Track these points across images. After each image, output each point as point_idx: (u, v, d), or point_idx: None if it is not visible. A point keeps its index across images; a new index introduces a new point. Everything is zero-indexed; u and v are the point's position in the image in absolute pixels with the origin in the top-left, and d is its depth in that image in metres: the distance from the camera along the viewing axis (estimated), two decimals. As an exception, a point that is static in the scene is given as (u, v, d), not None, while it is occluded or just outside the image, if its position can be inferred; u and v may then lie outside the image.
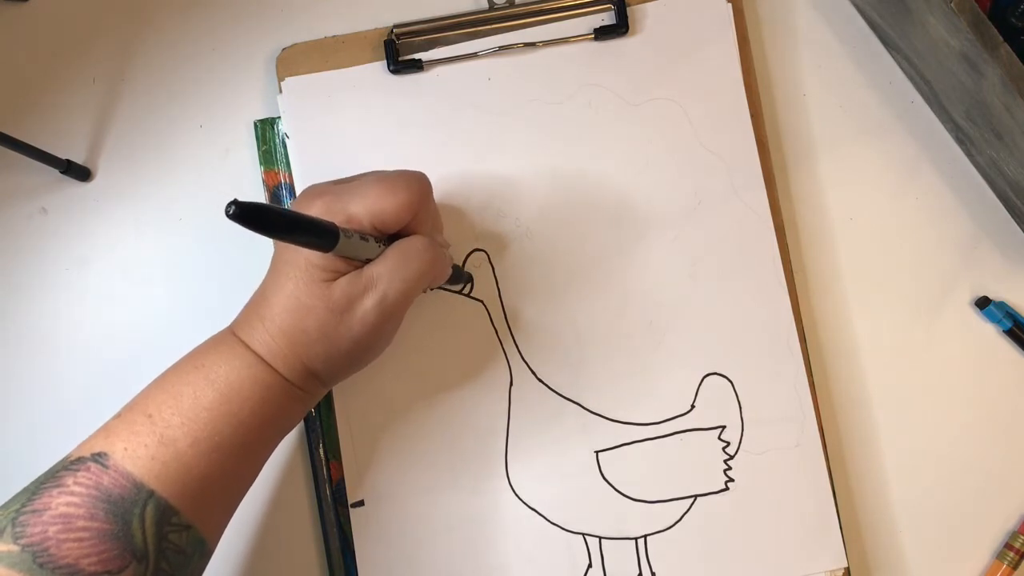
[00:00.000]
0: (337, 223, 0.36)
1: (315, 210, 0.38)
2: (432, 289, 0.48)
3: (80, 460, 0.36)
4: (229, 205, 0.29)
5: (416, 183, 0.40)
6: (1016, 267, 0.52)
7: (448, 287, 0.48)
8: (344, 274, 0.38)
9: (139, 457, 0.35)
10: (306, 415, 0.48)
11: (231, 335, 0.40)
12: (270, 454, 0.41)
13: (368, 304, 0.38)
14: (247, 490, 0.41)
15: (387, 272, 0.39)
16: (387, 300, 0.39)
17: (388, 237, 0.40)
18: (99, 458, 0.35)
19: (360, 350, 0.40)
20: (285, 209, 0.33)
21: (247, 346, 0.39)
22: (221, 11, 0.52)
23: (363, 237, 0.38)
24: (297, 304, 0.38)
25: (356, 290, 0.38)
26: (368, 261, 0.39)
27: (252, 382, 0.38)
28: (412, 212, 0.39)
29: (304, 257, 0.38)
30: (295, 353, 0.39)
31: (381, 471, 0.48)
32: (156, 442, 0.36)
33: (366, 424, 0.48)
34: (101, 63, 0.51)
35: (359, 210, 0.38)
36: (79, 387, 0.50)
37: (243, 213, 0.30)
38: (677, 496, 0.48)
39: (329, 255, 0.38)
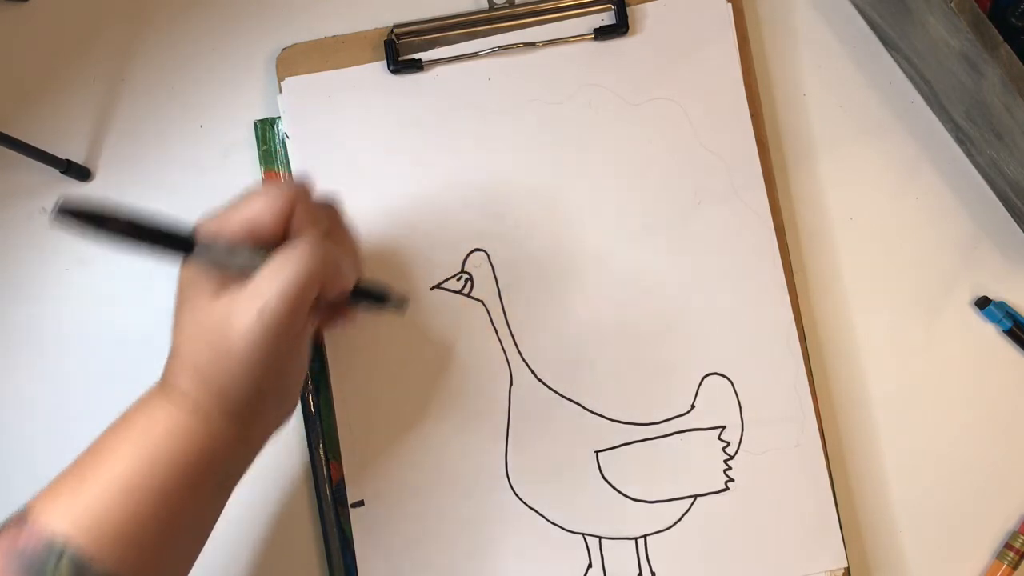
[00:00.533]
0: (217, 236, 0.36)
1: (199, 231, 0.36)
2: (396, 305, 0.46)
3: (7, 521, 0.35)
4: (53, 208, 0.27)
5: (287, 188, 0.38)
6: (1016, 267, 0.52)
7: (374, 305, 0.45)
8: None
9: (56, 510, 0.35)
10: (303, 405, 0.48)
11: (155, 386, 0.39)
12: (212, 500, 0.39)
13: (248, 317, 0.35)
14: (195, 537, 0.39)
15: (264, 280, 0.36)
16: (267, 309, 0.35)
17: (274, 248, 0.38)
18: (20, 519, 0.35)
19: (259, 372, 0.37)
20: (125, 210, 0.31)
21: (163, 388, 0.38)
22: (221, 11, 0.52)
23: (236, 249, 0.36)
24: (188, 327, 0.37)
25: (235, 304, 0.36)
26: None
27: (163, 422, 0.37)
28: (284, 215, 0.37)
29: (194, 279, 0.37)
30: (201, 382, 0.37)
31: (381, 471, 0.48)
32: (71, 492, 0.35)
33: (366, 424, 0.48)
34: (101, 63, 0.51)
35: (232, 222, 0.37)
36: (79, 387, 0.50)
37: (69, 213, 0.27)
38: (677, 496, 0.48)
39: (214, 272, 0.36)
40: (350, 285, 0.40)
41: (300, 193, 0.38)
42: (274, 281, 0.35)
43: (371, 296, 0.44)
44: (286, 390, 0.40)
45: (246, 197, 0.37)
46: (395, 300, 0.46)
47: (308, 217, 0.38)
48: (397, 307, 0.47)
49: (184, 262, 0.36)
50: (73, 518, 0.35)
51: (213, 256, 0.35)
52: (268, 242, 0.37)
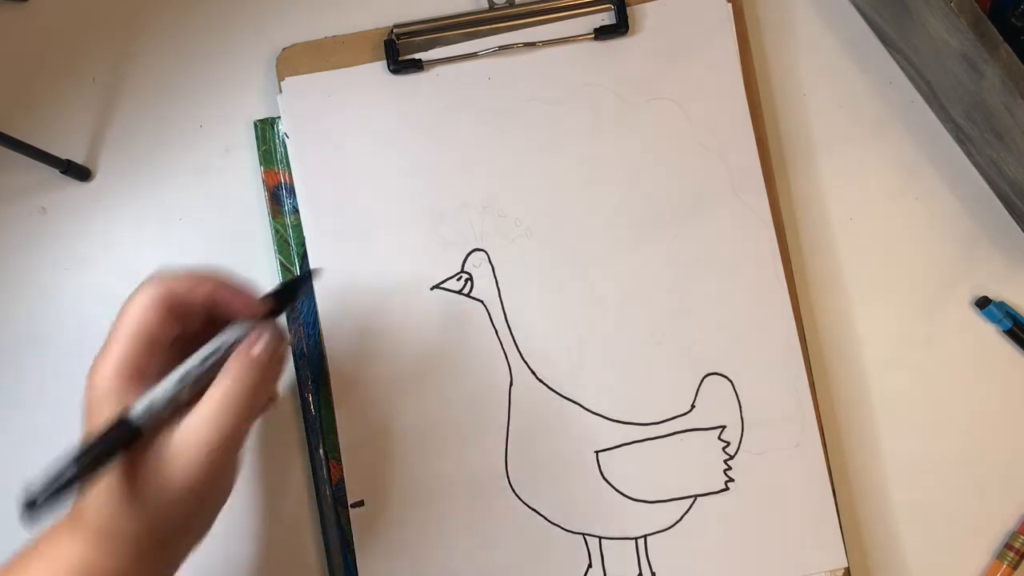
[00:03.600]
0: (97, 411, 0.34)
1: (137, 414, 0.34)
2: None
3: None
4: (23, 505, 0.27)
5: (153, 280, 0.37)
6: (1016, 267, 0.52)
7: (291, 304, 0.44)
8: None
9: None
10: (303, 406, 0.48)
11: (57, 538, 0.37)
12: None
13: (191, 463, 0.34)
14: None
15: (206, 424, 0.34)
16: (212, 452, 0.34)
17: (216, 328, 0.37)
18: None
19: (193, 509, 0.36)
20: (66, 468, 0.30)
21: (71, 521, 0.36)
22: (221, 11, 0.52)
23: (171, 393, 0.35)
24: (112, 476, 0.34)
25: (175, 449, 0.34)
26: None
27: (70, 556, 0.35)
28: (204, 304, 0.36)
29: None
30: (114, 526, 0.35)
31: (381, 471, 0.48)
32: None
33: (366, 424, 0.48)
34: (101, 63, 0.51)
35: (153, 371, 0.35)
36: (78, 387, 0.49)
37: (39, 502, 0.28)
38: (677, 496, 0.48)
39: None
40: (279, 380, 0.39)
41: (174, 286, 0.37)
42: (215, 424, 0.34)
43: (285, 303, 0.41)
44: (210, 520, 0.38)
45: (131, 324, 0.36)
46: (304, 277, 0.45)
47: (232, 309, 0.37)
48: (315, 277, 0.46)
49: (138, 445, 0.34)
50: None
51: (158, 418, 0.34)
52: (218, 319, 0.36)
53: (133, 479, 0.34)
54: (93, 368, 0.36)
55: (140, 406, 0.34)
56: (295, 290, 0.42)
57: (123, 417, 0.33)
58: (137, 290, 0.37)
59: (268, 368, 0.36)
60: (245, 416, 0.35)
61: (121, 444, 0.32)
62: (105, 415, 0.34)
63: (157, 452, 0.34)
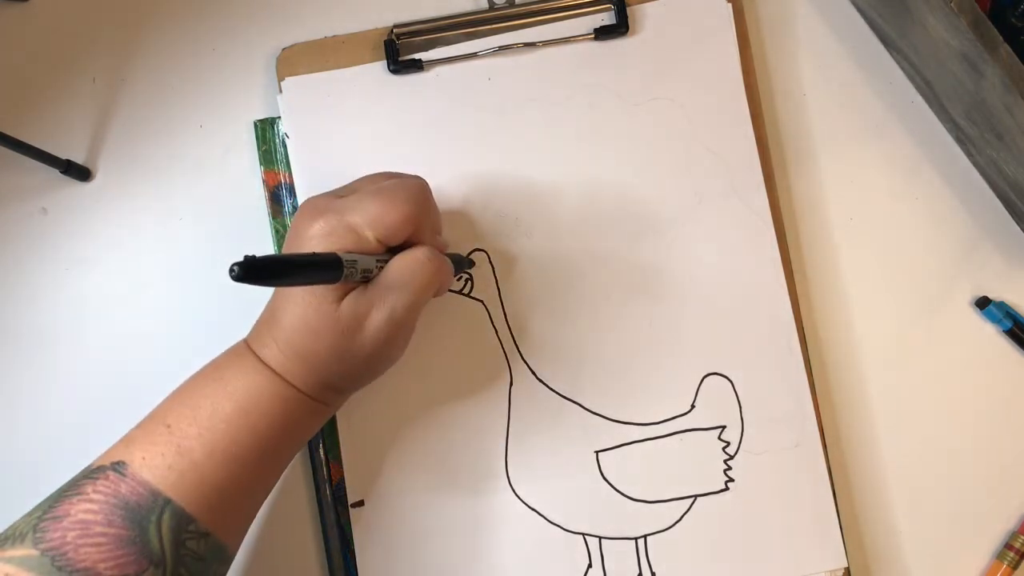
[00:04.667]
0: (340, 241, 0.37)
1: (316, 229, 0.38)
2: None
3: (100, 469, 0.36)
4: (232, 267, 0.29)
5: (418, 192, 0.40)
6: (1016, 267, 0.52)
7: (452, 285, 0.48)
8: (350, 291, 0.38)
9: (156, 467, 0.36)
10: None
11: (248, 349, 0.40)
12: (288, 463, 0.42)
13: (377, 321, 0.38)
14: (265, 498, 0.41)
15: (394, 287, 0.38)
16: (396, 314, 0.38)
17: (390, 248, 0.40)
18: (118, 467, 0.36)
19: (376, 362, 0.40)
20: (287, 257, 0.33)
21: (264, 362, 0.39)
22: (221, 11, 0.52)
23: (365, 259, 0.38)
24: (306, 326, 0.38)
25: (364, 308, 0.38)
26: (370, 276, 0.39)
27: (270, 396, 0.39)
28: (415, 223, 0.39)
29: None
30: (310, 371, 0.39)
31: (381, 471, 0.48)
32: (174, 452, 0.36)
33: (366, 424, 0.48)
34: (101, 63, 0.51)
35: (362, 225, 0.38)
36: (79, 387, 0.50)
37: (248, 273, 0.29)
38: (677, 496, 0.48)
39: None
40: (451, 283, 0.43)
41: (424, 199, 0.40)
42: (403, 290, 0.38)
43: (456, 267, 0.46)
44: (390, 365, 0.42)
45: (370, 197, 0.39)
46: (467, 263, 0.48)
47: (429, 224, 0.41)
48: (468, 268, 0.49)
49: (333, 285, 0.38)
50: (175, 477, 0.36)
51: (355, 271, 0.37)
52: (391, 245, 0.39)
53: (320, 341, 0.38)
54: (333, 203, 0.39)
55: (347, 256, 0.36)
56: (458, 265, 0.46)
57: (336, 255, 0.35)
58: (402, 190, 0.40)
59: (439, 265, 0.40)
60: (425, 296, 0.40)
61: (319, 269, 0.35)
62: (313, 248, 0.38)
63: (349, 317, 0.38)
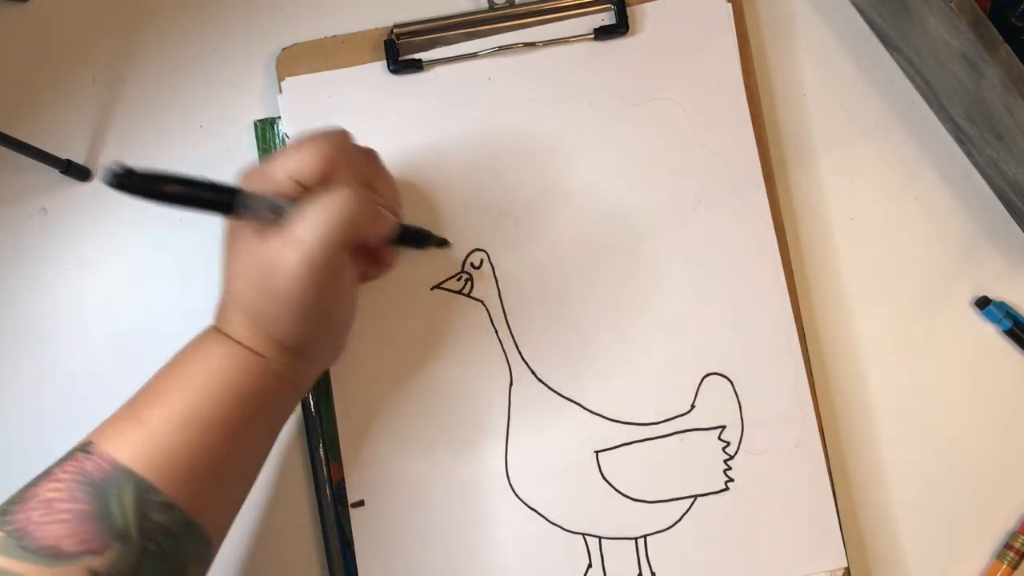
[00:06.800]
0: (254, 185, 0.37)
1: (241, 184, 0.38)
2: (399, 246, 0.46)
3: (69, 453, 0.37)
4: (108, 173, 0.29)
5: (335, 135, 0.40)
6: (1016, 267, 0.52)
7: (413, 246, 0.47)
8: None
9: (119, 442, 0.37)
10: (303, 406, 0.48)
11: (210, 325, 0.41)
12: (264, 439, 0.41)
13: (291, 259, 0.37)
14: (245, 477, 0.41)
15: (304, 225, 0.37)
16: (308, 250, 0.37)
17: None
18: (84, 447, 0.37)
19: (305, 314, 0.39)
20: (172, 173, 0.33)
21: (217, 328, 0.40)
22: (221, 11, 0.52)
23: (277, 199, 0.37)
24: (237, 272, 0.39)
25: (276, 243, 0.37)
26: (282, 212, 0.38)
27: (222, 356, 0.39)
28: (328, 162, 0.38)
29: (238, 225, 0.39)
30: (252, 322, 0.39)
31: (381, 471, 0.48)
32: (133, 424, 0.37)
33: (366, 424, 0.48)
34: (101, 63, 0.51)
35: (276, 167, 0.38)
36: (79, 387, 0.50)
37: (123, 182, 0.29)
38: (677, 496, 0.48)
39: (257, 219, 0.38)
40: (389, 230, 0.41)
41: (341, 142, 0.40)
42: (314, 226, 0.37)
43: (412, 239, 0.46)
44: (331, 332, 0.42)
45: (289, 148, 0.39)
46: (436, 240, 0.47)
47: (347, 167, 0.39)
48: (439, 246, 0.48)
49: (229, 217, 0.38)
50: (135, 448, 0.36)
51: (257, 210, 0.37)
52: (310, 190, 0.38)
53: (252, 286, 0.38)
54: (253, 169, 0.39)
55: (252, 190, 0.36)
56: (420, 239, 0.46)
57: (230, 184, 0.35)
58: (315, 137, 0.39)
59: (357, 203, 0.38)
60: (341, 230, 0.37)
61: (212, 196, 0.35)
62: None
63: (266, 258, 0.37)
